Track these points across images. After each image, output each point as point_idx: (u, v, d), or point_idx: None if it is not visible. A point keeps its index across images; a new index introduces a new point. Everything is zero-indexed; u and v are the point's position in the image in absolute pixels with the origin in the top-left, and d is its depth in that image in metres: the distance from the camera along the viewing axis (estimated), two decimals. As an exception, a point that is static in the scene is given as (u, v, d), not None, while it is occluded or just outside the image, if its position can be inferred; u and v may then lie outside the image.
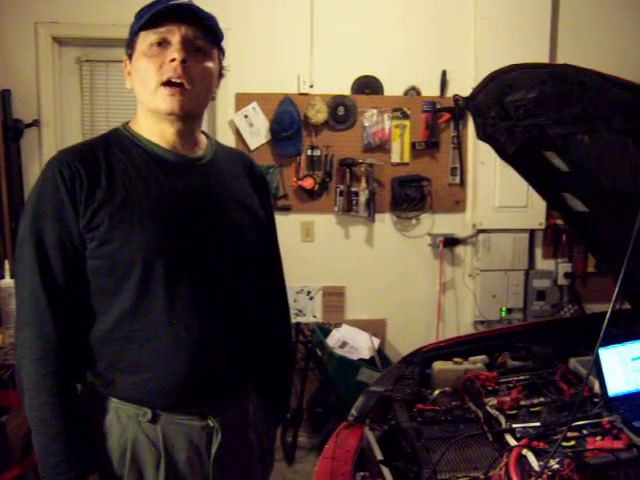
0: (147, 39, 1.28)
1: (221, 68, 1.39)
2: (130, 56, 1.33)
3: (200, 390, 1.33)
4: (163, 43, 1.27)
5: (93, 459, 1.28)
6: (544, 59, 3.46)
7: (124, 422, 1.30)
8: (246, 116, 3.50)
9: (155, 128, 1.33)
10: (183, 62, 1.25)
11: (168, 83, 1.26)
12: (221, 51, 1.38)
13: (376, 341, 3.49)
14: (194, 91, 1.28)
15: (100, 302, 1.29)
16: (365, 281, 3.70)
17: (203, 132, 1.45)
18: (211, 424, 1.34)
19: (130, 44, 1.33)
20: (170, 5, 1.25)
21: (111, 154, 1.30)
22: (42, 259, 1.25)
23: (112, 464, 1.29)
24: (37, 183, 1.29)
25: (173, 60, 1.25)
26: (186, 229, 1.31)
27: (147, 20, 1.26)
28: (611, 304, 1.28)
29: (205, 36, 1.30)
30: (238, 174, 1.48)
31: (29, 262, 1.25)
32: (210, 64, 1.32)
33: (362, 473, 1.52)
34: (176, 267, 1.29)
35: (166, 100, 1.27)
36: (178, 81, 1.26)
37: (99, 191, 1.25)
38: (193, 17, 1.27)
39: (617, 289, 1.33)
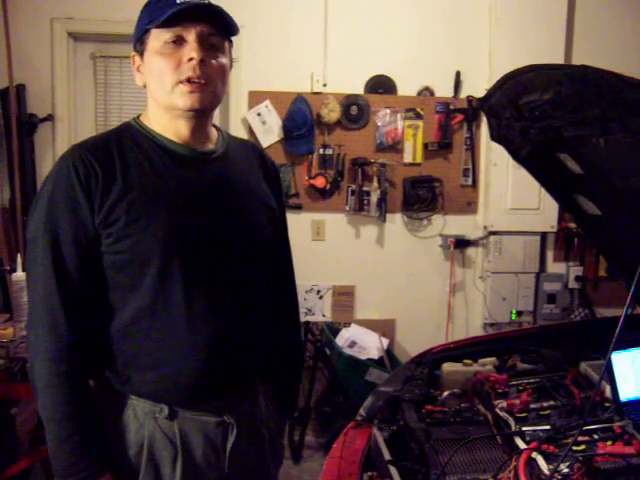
0: (161, 37, 1.25)
1: (231, 60, 1.38)
2: (141, 53, 1.29)
3: (217, 385, 1.33)
4: (178, 41, 1.25)
5: (106, 459, 1.27)
6: (559, 60, 3.44)
7: (141, 419, 1.29)
8: (259, 114, 3.50)
9: (169, 124, 1.32)
10: (201, 61, 1.25)
11: (186, 80, 1.25)
12: (231, 43, 1.37)
13: (385, 341, 3.48)
14: (212, 88, 1.28)
15: (117, 298, 1.28)
16: (375, 281, 3.69)
17: (214, 125, 1.44)
18: (227, 420, 1.34)
19: (140, 40, 1.29)
20: (187, 4, 1.23)
21: (125, 148, 1.29)
22: (57, 257, 1.23)
23: (129, 460, 1.29)
24: (50, 179, 1.26)
25: (191, 59, 1.24)
26: (202, 223, 1.30)
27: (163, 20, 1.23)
28: (625, 308, 1.27)
29: (218, 31, 1.29)
30: (252, 166, 1.46)
31: (43, 260, 1.23)
32: (224, 59, 1.31)
33: (370, 473, 1.52)
34: (194, 262, 1.28)
35: (185, 97, 1.26)
36: (197, 81, 1.25)
37: (115, 187, 1.24)
38: (210, 15, 1.26)
39: (631, 293, 1.32)
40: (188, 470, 1.30)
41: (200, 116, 1.32)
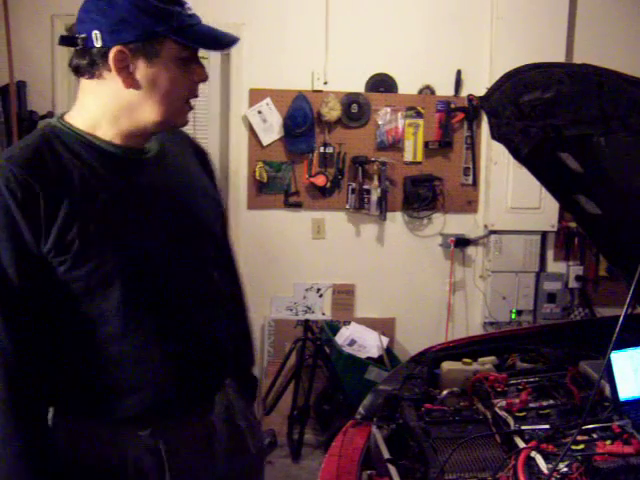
0: (181, 52, 1.15)
1: None
2: (148, 56, 1.14)
3: (195, 395, 1.32)
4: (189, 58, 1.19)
5: None
6: (560, 59, 3.43)
7: (122, 439, 1.23)
8: (260, 112, 3.50)
9: (123, 129, 1.19)
10: None
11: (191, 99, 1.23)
12: None
13: (385, 340, 3.48)
14: None
15: (81, 329, 1.18)
16: (375, 279, 3.69)
17: None
18: (208, 422, 1.33)
19: (150, 42, 1.13)
20: (224, 38, 1.19)
21: (61, 158, 1.14)
22: (2, 296, 1.09)
23: None
24: None
25: (201, 81, 1.21)
26: (161, 234, 1.23)
27: (193, 40, 1.16)
28: (625, 307, 1.27)
29: None
30: (188, 158, 1.39)
31: None
32: None
33: (369, 471, 1.52)
34: (159, 277, 1.23)
35: (185, 115, 1.23)
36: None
37: (62, 208, 1.10)
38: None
39: (631, 293, 1.32)
40: (177, 478, 1.28)
41: None
